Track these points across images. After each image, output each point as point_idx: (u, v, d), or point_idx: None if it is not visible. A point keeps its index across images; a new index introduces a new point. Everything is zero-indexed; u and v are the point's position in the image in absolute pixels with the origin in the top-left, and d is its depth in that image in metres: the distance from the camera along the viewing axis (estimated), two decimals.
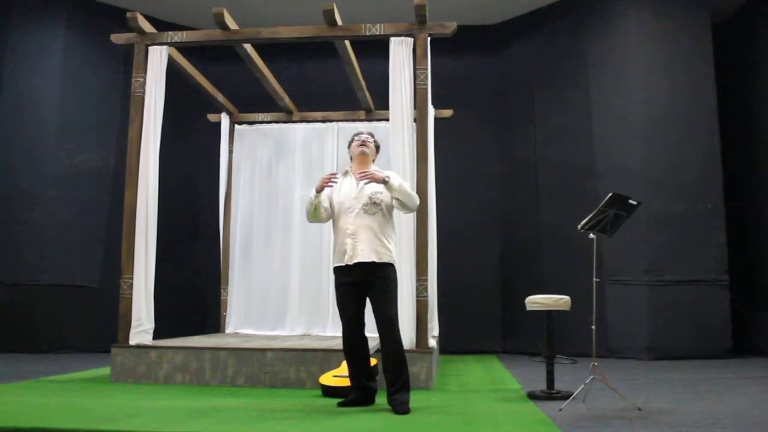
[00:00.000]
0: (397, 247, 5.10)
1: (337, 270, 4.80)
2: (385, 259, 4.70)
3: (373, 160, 5.03)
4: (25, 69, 9.86)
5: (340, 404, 4.75)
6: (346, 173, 4.99)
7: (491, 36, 10.63)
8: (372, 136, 5.09)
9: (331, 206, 4.90)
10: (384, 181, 4.66)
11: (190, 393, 5.46)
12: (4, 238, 9.41)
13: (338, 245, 4.80)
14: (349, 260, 4.69)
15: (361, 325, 4.81)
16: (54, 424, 3.86)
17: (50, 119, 9.76)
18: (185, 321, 9.42)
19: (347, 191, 4.85)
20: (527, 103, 10.17)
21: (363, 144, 4.96)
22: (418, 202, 4.92)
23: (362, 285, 4.70)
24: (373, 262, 4.66)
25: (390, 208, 4.83)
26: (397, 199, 4.75)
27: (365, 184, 4.74)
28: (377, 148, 5.08)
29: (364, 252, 4.66)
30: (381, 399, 4.78)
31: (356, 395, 4.79)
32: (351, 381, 4.86)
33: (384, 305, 4.66)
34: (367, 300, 4.76)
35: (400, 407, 4.47)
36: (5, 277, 9.08)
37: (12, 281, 9.20)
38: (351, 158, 5.06)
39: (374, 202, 4.75)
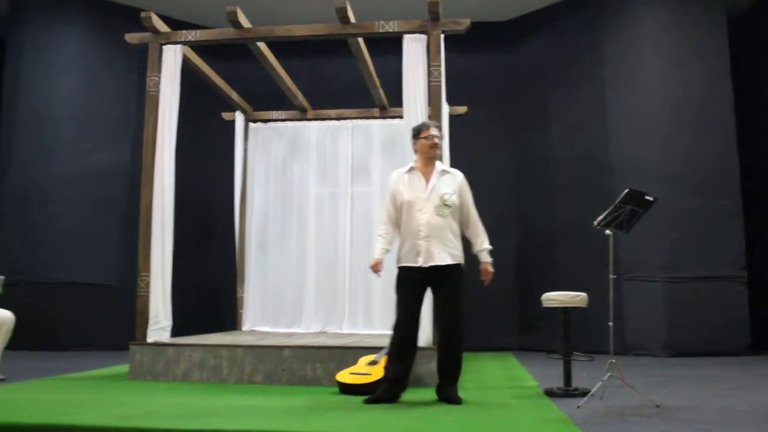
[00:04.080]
0: None
1: (406, 269, 4.82)
2: (457, 260, 4.80)
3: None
4: (42, 69, 9.93)
5: (366, 401, 4.75)
6: (411, 170, 4.96)
7: (505, 32, 10.58)
8: (439, 129, 5.05)
9: (398, 204, 4.91)
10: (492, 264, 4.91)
11: (207, 390, 5.48)
12: (22, 238, 9.49)
13: (408, 245, 4.82)
14: (423, 263, 4.75)
15: (417, 322, 4.87)
16: (73, 420, 3.89)
17: (67, 119, 9.84)
18: (202, 318, 9.45)
19: (417, 191, 4.86)
20: (541, 99, 10.12)
21: (435, 146, 4.94)
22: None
23: (431, 284, 4.79)
24: (448, 265, 4.74)
25: (457, 209, 4.86)
26: None
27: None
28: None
29: (439, 255, 4.74)
30: (423, 395, 4.88)
31: (384, 390, 4.79)
32: (386, 372, 4.88)
33: (453, 307, 4.78)
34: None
35: (456, 398, 4.69)
36: (25, 276, 9.14)
37: (31, 280, 9.26)
38: (415, 151, 5.00)
39: (446, 204, 4.77)
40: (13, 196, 9.68)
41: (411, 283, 4.81)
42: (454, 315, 4.77)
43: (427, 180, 4.88)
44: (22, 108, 9.88)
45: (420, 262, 4.76)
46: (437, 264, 4.74)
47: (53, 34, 10.04)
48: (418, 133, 5.02)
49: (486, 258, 4.87)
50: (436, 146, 4.93)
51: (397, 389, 4.81)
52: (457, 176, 4.98)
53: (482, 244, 4.89)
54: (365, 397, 4.83)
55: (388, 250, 5.00)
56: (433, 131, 4.97)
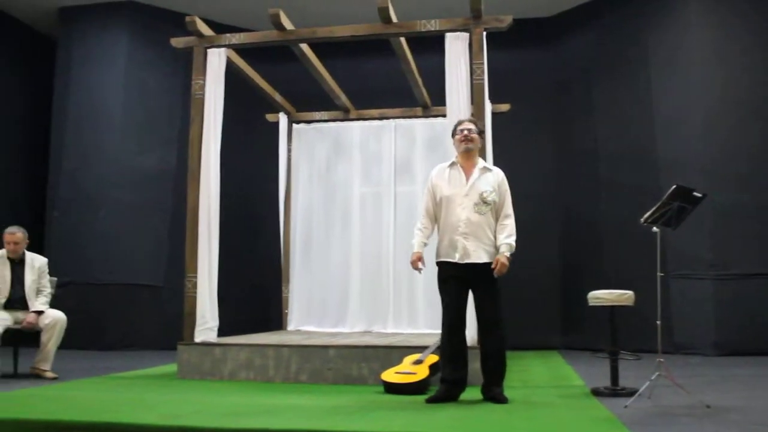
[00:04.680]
0: None
1: (444, 264, 4.84)
2: (495, 258, 4.74)
3: (479, 149, 5.02)
4: (90, 75, 10.17)
5: (427, 400, 4.74)
6: (452, 165, 4.97)
7: (547, 28, 10.50)
8: (474, 123, 5.03)
9: (437, 199, 4.91)
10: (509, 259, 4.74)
11: (254, 389, 5.54)
12: (72, 240, 9.72)
13: (446, 240, 4.83)
14: (460, 259, 4.74)
15: (464, 318, 4.86)
16: (125, 419, 3.96)
17: (114, 123, 10.04)
18: (248, 319, 9.55)
19: (456, 186, 4.86)
20: (585, 94, 10.02)
21: (467, 138, 4.91)
22: (514, 223, 4.93)
23: (469, 281, 4.78)
24: (485, 263, 4.72)
25: (496, 206, 4.83)
26: None
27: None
28: (481, 134, 5.05)
29: (476, 252, 4.72)
30: (466, 395, 4.85)
31: (444, 390, 4.79)
32: (442, 374, 4.88)
33: (491, 305, 4.76)
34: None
35: (501, 397, 4.66)
36: (75, 277, 9.35)
37: (81, 281, 9.47)
38: (457, 151, 5.00)
39: (485, 202, 4.77)
40: (63, 199, 9.93)
41: (451, 279, 4.82)
42: (493, 313, 4.76)
43: (468, 176, 4.87)
44: (71, 113, 10.13)
45: (456, 258, 4.76)
46: (473, 261, 4.73)
47: (101, 39, 10.27)
48: (453, 131, 5.06)
49: (503, 251, 4.73)
50: (467, 139, 4.91)
51: (456, 390, 4.80)
52: (498, 174, 4.96)
53: (505, 238, 4.76)
54: (425, 397, 4.83)
55: (426, 244, 5.01)
56: (465, 125, 4.98)
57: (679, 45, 9.03)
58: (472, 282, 4.78)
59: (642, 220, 4.97)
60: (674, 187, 4.83)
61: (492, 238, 4.78)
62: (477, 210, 4.77)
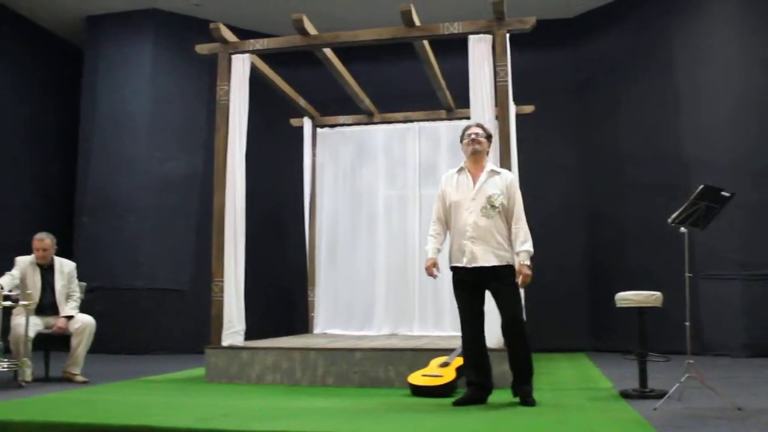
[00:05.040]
0: None
1: (455, 269, 4.84)
2: (505, 261, 4.73)
3: (487, 153, 5.00)
4: (116, 82, 10.30)
5: (455, 403, 4.74)
6: (461, 170, 4.98)
7: (570, 29, 10.46)
8: (481, 127, 5.04)
9: (447, 205, 4.92)
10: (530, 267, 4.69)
11: (281, 392, 5.57)
12: (101, 245, 9.83)
13: (456, 245, 4.83)
14: (468, 263, 4.74)
15: (481, 322, 4.84)
16: (154, 422, 4.00)
17: (141, 129, 10.16)
18: (274, 322, 9.62)
19: (464, 191, 4.86)
20: (610, 94, 9.96)
21: (474, 141, 4.91)
22: (527, 228, 4.84)
23: (482, 285, 4.76)
24: (494, 266, 4.70)
25: (506, 209, 4.80)
26: None
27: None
28: (489, 138, 5.03)
29: (484, 256, 4.70)
30: (493, 398, 4.85)
31: (470, 393, 4.78)
32: (467, 377, 4.89)
33: (508, 306, 4.73)
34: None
35: (528, 399, 4.62)
36: (104, 282, 9.45)
37: (109, 286, 9.57)
38: (465, 154, 5.00)
39: (493, 205, 4.75)
40: (91, 205, 10.05)
41: (463, 284, 4.82)
42: (511, 313, 4.72)
43: (475, 180, 4.86)
44: (98, 120, 10.26)
45: (464, 262, 4.76)
46: (481, 265, 4.71)
47: (127, 47, 10.40)
48: (461, 136, 5.06)
49: (522, 260, 4.69)
50: (474, 141, 4.91)
51: (482, 392, 4.79)
52: (507, 177, 4.93)
53: (521, 245, 4.72)
54: (452, 400, 4.83)
55: (440, 250, 5.01)
56: (473, 129, 5.00)
57: (704, 43, 8.95)
58: (486, 285, 4.77)
59: (670, 220, 4.93)
60: (702, 186, 4.79)
61: (502, 242, 4.74)
62: (484, 214, 4.74)
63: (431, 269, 4.95)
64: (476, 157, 4.92)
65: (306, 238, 9.28)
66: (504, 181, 4.87)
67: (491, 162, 5.09)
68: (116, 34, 10.43)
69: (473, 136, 4.94)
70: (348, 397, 5.29)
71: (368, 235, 9.14)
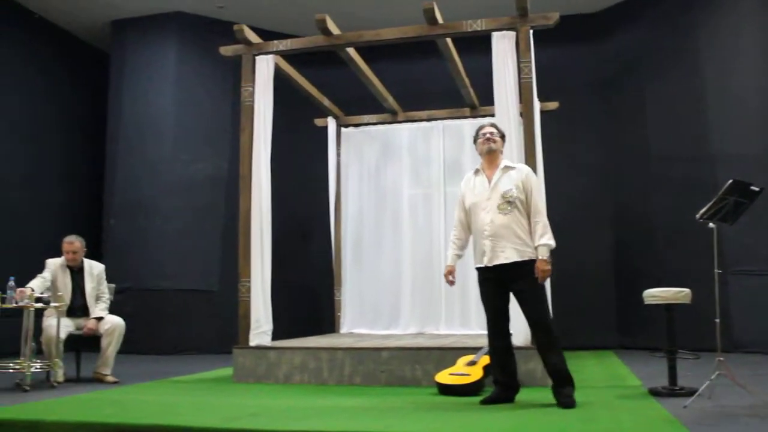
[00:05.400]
0: None
1: (478, 269, 4.83)
2: (527, 257, 4.66)
3: (501, 152, 4.98)
4: (142, 86, 10.41)
5: (482, 402, 4.73)
6: (477, 172, 4.97)
7: (595, 24, 10.36)
8: (495, 126, 5.02)
9: (466, 208, 4.92)
10: (548, 263, 4.63)
11: (309, 392, 5.59)
12: (129, 247, 9.94)
13: (477, 246, 4.82)
14: (488, 262, 4.71)
15: (506, 322, 4.81)
16: (184, 422, 4.04)
17: (166, 131, 10.25)
18: (301, 322, 9.65)
19: (480, 191, 4.84)
20: (636, 90, 9.87)
21: (489, 140, 4.89)
22: (547, 222, 4.78)
23: (506, 283, 4.71)
24: (515, 263, 4.64)
25: (524, 204, 4.74)
26: None
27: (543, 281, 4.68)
28: (503, 137, 5.01)
29: (504, 253, 4.65)
30: (520, 396, 4.83)
31: (498, 392, 4.77)
32: (493, 376, 4.87)
33: (532, 304, 4.67)
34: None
35: (564, 401, 4.50)
36: (132, 283, 9.55)
37: (138, 287, 9.67)
38: (480, 154, 4.99)
39: (508, 201, 4.71)
40: (119, 207, 10.17)
41: (486, 283, 4.79)
42: (535, 312, 4.66)
43: (490, 179, 4.84)
44: (125, 122, 10.37)
45: (485, 262, 4.73)
46: (501, 263, 4.67)
47: (152, 50, 10.50)
48: (475, 136, 5.04)
49: (540, 254, 4.63)
50: (488, 140, 4.89)
51: (509, 391, 4.78)
52: (522, 170, 4.89)
53: (539, 239, 4.66)
54: (479, 398, 4.82)
55: (460, 256, 5.02)
56: (487, 129, 4.98)
57: (731, 38, 8.84)
58: (509, 283, 4.71)
59: (698, 216, 4.88)
60: (731, 181, 4.73)
61: (523, 237, 4.67)
62: (501, 211, 4.70)
63: (447, 276, 4.99)
64: (491, 156, 4.90)
65: (332, 238, 9.31)
66: (520, 175, 4.82)
67: (506, 159, 5.05)
68: (141, 38, 10.54)
69: (487, 135, 4.92)
70: (375, 396, 5.30)
71: (393, 234, 9.15)
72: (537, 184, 4.88)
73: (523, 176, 4.82)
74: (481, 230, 4.76)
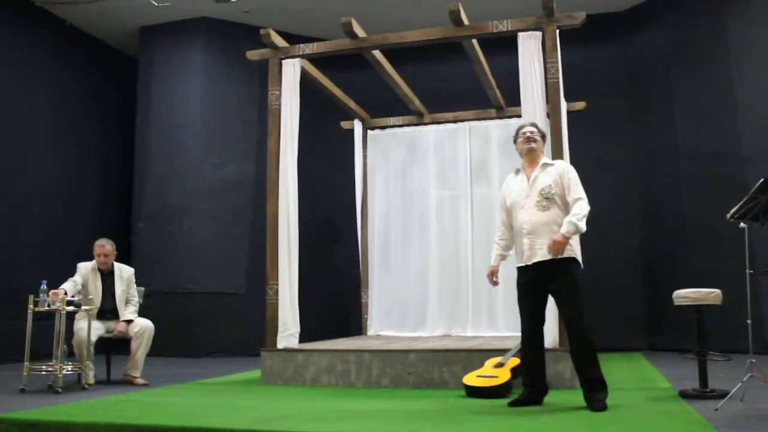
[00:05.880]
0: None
1: (519, 269, 4.81)
2: (566, 255, 4.60)
3: (542, 152, 4.96)
4: (170, 90, 10.51)
5: (510, 404, 4.71)
6: (518, 171, 4.96)
7: (621, 22, 10.28)
8: (535, 126, 5.01)
9: (508, 207, 4.91)
10: (568, 239, 4.52)
11: (337, 394, 5.60)
12: (158, 251, 10.04)
13: (517, 245, 4.81)
14: (527, 260, 4.69)
15: (540, 324, 4.79)
16: (213, 424, 4.07)
17: (194, 136, 10.34)
18: (328, 324, 9.68)
19: (519, 190, 4.83)
20: (663, 89, 9.78)
21: (529, 139, 4.87)
22: (587, 205, 4.66)
23: (544, 283, 4.67)
24: (553, 259, 4.59)
25: (563, 199, 4.70)
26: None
27: (557, 255, 4.56)
28: (543, 137, 4.99)
29: (542, 250, 4.61)
30: (548, 398, 4.80)
31: (526, 394, 4.75)
32: (522, 378, 4.85)
33: (568, 304, 4.62)
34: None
35: (595, 404, 4.44)
36: (161, 286, 9.64)
37: (167, 290, 9.76)
38: (520, 155, 4.98)
39: (546, 197, 4.68)
40: (149, 211, 10.28)
41: (524, 286, 4.77)
42: (572, 311, 4.60)
43: (529, 177, 4.82)
44: (153, 127, 10.49)
45: (524, 260, 4.71)
46: (539, 260, 4.63)
47: (179, 56, 10.60)
48: (515, 136, 5.02)
49: (563, 229, 4.53)
50: (529, 140, 4.86)
51: (537, 393, 4.75)
52: (560, 166, 4.86)
53: (569, 217, 4.57)
54: (507, 400, 4.80)
55: (504, 256, 5.02)
56: (527, 128, 4.96)
57: (760, 36, 8.71)
58: (547, 283, 4.66)
59: (728, 215, 4.81)
60: (762, 180, 4.66)
61: None
62: (539, 207, 4.67)
63: (489, 276, 5.00)
64: (531, 155, 4.88)
65: (358, 240, 9.32)
66: (557, 171, 4.78)
67: (545, 157, 5.02)
68: (169, 44, 10.64)
69: (528, 134, 4.90)
70: (403, 398, 5.30)
71: (420, 236, 9.14)
72: (575, 177, 4.78)
73: (560, 171, 4.78)
74: (520, 228, 4.75)
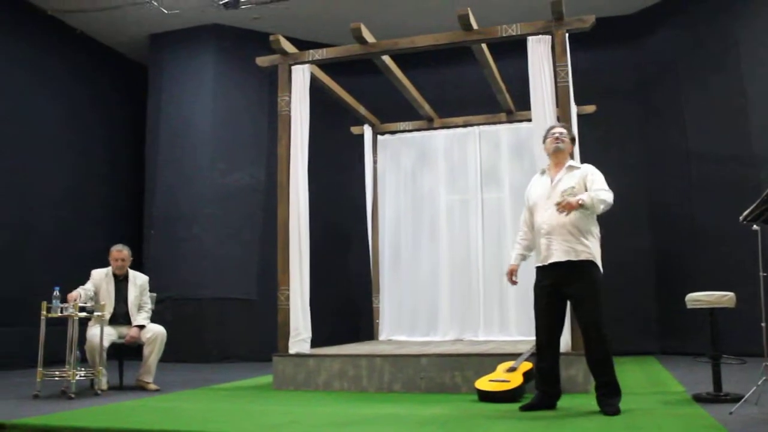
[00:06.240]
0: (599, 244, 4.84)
1: (537, 270, 4.81)
2: (584, 257, 4.59)
3: (571, 154, 4.94)
4: (180, 97, 10.57)
5: (522, 408, 4.70)
6: (543, 172, 4.95)
7: (631, 25, 10.26)
8: (566, 128, 4.99)
9: (530, 206, 4.90)
10: (580, 206, 4.47)
11: (348, 399, 5.59)
12: (169, 257, 10.07)
13: (536, 246, 4.81)
14: (544, 260, 4.69)
15: (555, 331, 4.76)
16: (224, 429, 4.10)
17: (204, 142, 10.38)
18: (340, 329, 9.68)
19: (541, 191, 4.83)
20: (674, 91, 9.74)
21: (557, 140, 4.86)
22: (612, 196, 4.62)
23: (561, 287, 4.64)
24: (570, 261, 4.58)
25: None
26: (597, 209, 4.54)
27: (565, 214, 4.54)
28: (573, 140, 4.97)
29: (558, 252, 4.61)
30: (561, 403, 4.78)
31: (539, 398, 4.73)
32: (535, 382, 4.84)
33: (585, 308, 4.59)
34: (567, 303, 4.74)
35: (608, 409, 4.42)
36: (173, 292, 9.67)
37: (178, 296, 9.79)
38: (547, 154, 4.97)
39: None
40: (160, 217, 10.32)
41: (542, 290, 4.75)
42: (589, 315, 4.56)
43: (553, 179, 4.81)
44: (164, 134, 10.53)
45: (541, 260, 4.71)
46: (556, 260, 4.61)
47: (189, 63, 10.65)
48: (545, 136, 5.01)
49: (583, 196, 4.49)
50: (558, 140, 4.85)
51: (550, 398, 4.73)
52: (585, 169, 4.83)
53: (592, 191, 4.55)
54: (519, 405, 4.78)
55: (524, 256, 5.01)
56: (558, 129, 4.95)
57: None
58: (564, 286, 4.63)
59: (741, 218, 4.79)
60: None
61: (579, 237, 4.60)
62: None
63: (509, 275, 5.00)
64: (558, 156, 4.86)
65: (369, 245, 9.32)
66: (582, 174, 4.76)
67: (573, 161, 4.99)
68: (179, 51, 10.70)
69: (556, 134, 4.89)
70: (415, 403, 5.29)
71: (431, 240, 9.13)
72: (600, 176, 4.75)
73: (585, 174, 4.76)
74: (539, 228, 4.75)
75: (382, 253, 9.31)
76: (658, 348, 9.58)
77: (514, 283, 5.04)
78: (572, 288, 4.61)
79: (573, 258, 4.58)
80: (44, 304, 5.75)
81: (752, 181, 8.21)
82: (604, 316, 4.57)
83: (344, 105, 8.53)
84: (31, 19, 9.64)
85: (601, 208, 4.56)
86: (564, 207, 4.48)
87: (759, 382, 4.54)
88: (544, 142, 5.00)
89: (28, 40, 9.60)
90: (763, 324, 4.71)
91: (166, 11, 9.84)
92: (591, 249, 4.63)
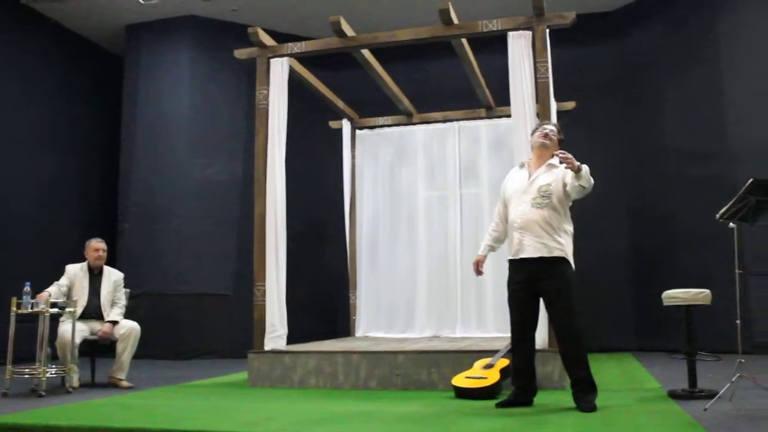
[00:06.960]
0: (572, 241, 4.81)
1: (510, 264, 4.78)
2: (556, 254, 4.57)
3: (553, 154, 4.85)
4: (157, 90, 10.44)
5: (498, 404, 4.68)
6: (522, 166, 4.94)
7: (611, 22, 10.28)
8: (557, 128, 4.97)
9: (506, 199, 4.88)
10: (578, 170, 4.43)
11: (324, 396, 5.55)
12: (145, 252, 9.95)
13: (509, 239, 4.79)
14: (515, 254, 4.67)
15: (528, 327, 4.74)
16: (199, 426, 4.03)
17: (181, 136, 10.27)
18: (316, 326, 9.62)
19: (518, 185, 4.81)
20: (653, 88, 9.78)
21: (546, 136, 4.84)
22: (592, 184, 4.61)
23: (533, 283, 4.62)
24: (542, 258, 4.56)
25: (562, 201, 4.66)
26: (581, 186, 4.50)
27: (565, 166, 4.47)
28: (560, 142, 4.92)
29: (530, 248, 4.59)
30: (538, 399, 4.77)
31: (515, 395, 4.72)
32: (512, 379, 4.83)
33: (557, 305, 4.58)
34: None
35: (584, 405, 4.42)
36: (147, 288, 9.55)
37: (153, 292, 9.67)
38: (531, 148, 4.96)
39: (543, 195, 4.64)
40: (133, 212, 10.19)
41: (515, 285, 4.73)
42: (562, 311, 4.55)
43: (531, 174, 4.79)
44: (139, 127, 10.40)
45: (513, 254, 4.70)
46: (527, 256, 4.60)
47: (166, 54, 10.53)
48: (534, 130, 5.02)
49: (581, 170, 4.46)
50: (546, 136, 4.84)
51: (527, 394, 4.71)
52: (564, 169, 4.81)
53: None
54: (496, 401, 4.77)
55: (493, 248, 5.03)
56: (547, 126, 4.95)
57: (750, 35, 8.75)
58: (536, 282, 4.61)
59: (718, 215, 4.81)
60: (751, 180, 4.65)
61: (553, 233, 4.59)
62: (534, 204, 4.64)
63: (475, 266, 5.01)
64: (541, 151, 4.84)
65: (346, 241, 9.27)
66: (561, 172, 4.72)
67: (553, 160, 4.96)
68: (155, 42, 10.57)
69: (546, 131, 4.88)
70: (391, 400, 5.26)
71: (409, 236, 9.10)
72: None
73: (564, 171, 4.70)
74: (512, 222, 4.73)
75: (360, 249, 9.26)
76: (635, 345, 9.63)
77: (479, 273, 5.05)
78: (544, 284, 4.60)
79: (545, 254, 4.57)
80: (14, 300, 5.66)
81: (729, 178, 8.25)
82: (577, 312, 4.56)
83: (323, 99, 8.46)
84: (3, 8, 9.47)
85: (586, 187, 4.52)
86: (568, 160, 4.40)
87: (733, 379, 4.57)
88: (532, 134, 4.99)
89: None
90: (738, 321, 4.73)
91: (142, 1, 9.72)
92: (563, 246, 4.62)
